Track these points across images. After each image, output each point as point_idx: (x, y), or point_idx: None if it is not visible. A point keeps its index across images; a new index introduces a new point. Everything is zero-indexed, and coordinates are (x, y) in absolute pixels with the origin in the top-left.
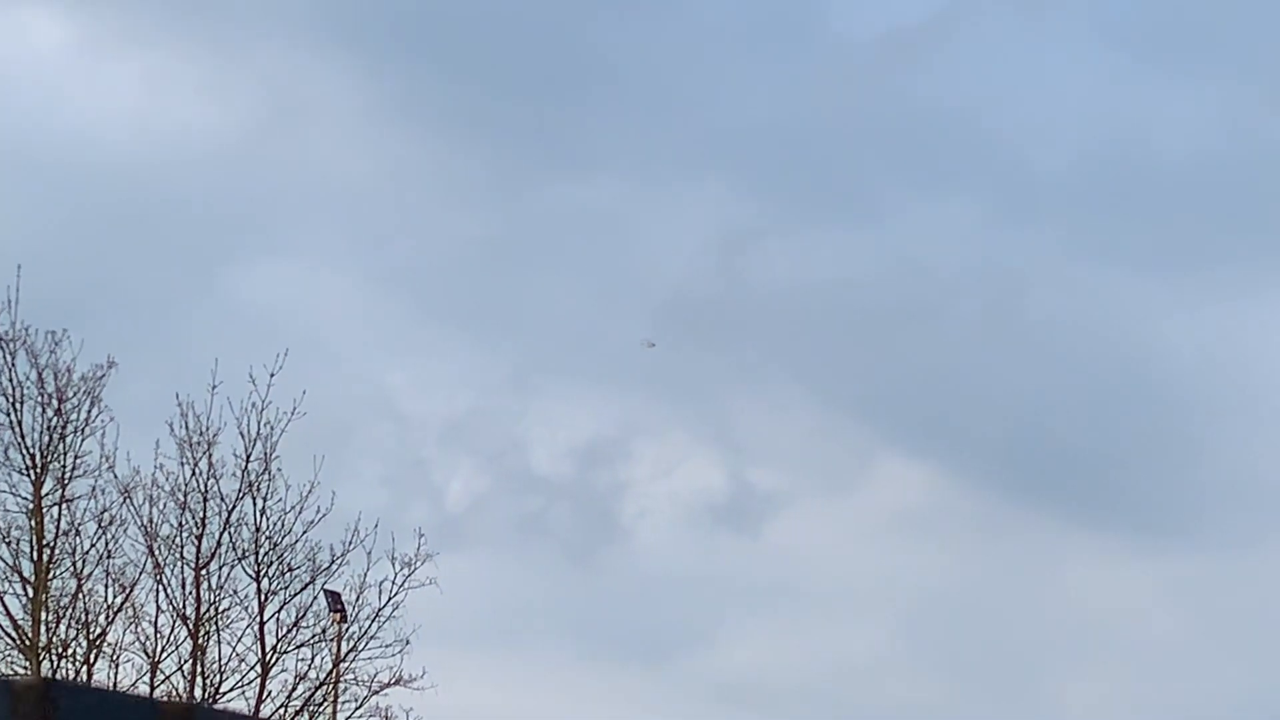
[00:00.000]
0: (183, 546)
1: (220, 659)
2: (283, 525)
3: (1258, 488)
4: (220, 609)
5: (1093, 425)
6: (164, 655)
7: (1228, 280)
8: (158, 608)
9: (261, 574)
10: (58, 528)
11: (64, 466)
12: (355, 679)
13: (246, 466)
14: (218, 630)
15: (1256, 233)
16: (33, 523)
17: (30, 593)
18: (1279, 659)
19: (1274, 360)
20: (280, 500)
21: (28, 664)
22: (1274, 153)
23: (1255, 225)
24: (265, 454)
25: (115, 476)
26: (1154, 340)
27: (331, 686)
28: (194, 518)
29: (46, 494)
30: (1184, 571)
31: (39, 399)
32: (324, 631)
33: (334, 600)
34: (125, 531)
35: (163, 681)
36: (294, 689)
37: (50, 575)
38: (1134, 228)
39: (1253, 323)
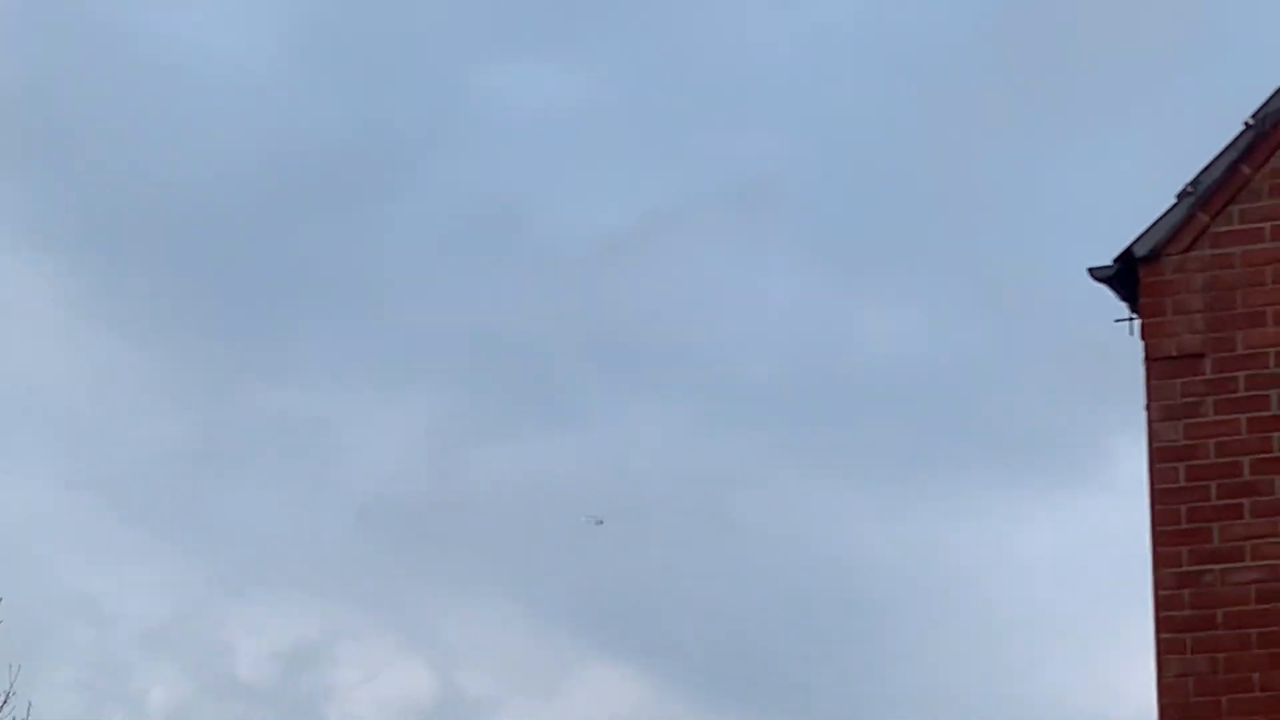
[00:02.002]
0: None
1: None
2: None
3: (945, 694)
4: None
5: (794, 630)
6: None
7: (928, 488)
8: None
9: None
10: None
11: None
12: None
13: None
14: None
15: (957, 440)
16: None
17: None
18: None
19: (963, 568)
20: None
21: None
22: (973, 360)
23: (956, 432)
24: None
25: None
26: (856, 547)
27: None
28: None
29: None
30: None
31: None
32: None
33: None
34: None
35: None
36: None
37: None
38: (838, 435)
39: (952, 530)
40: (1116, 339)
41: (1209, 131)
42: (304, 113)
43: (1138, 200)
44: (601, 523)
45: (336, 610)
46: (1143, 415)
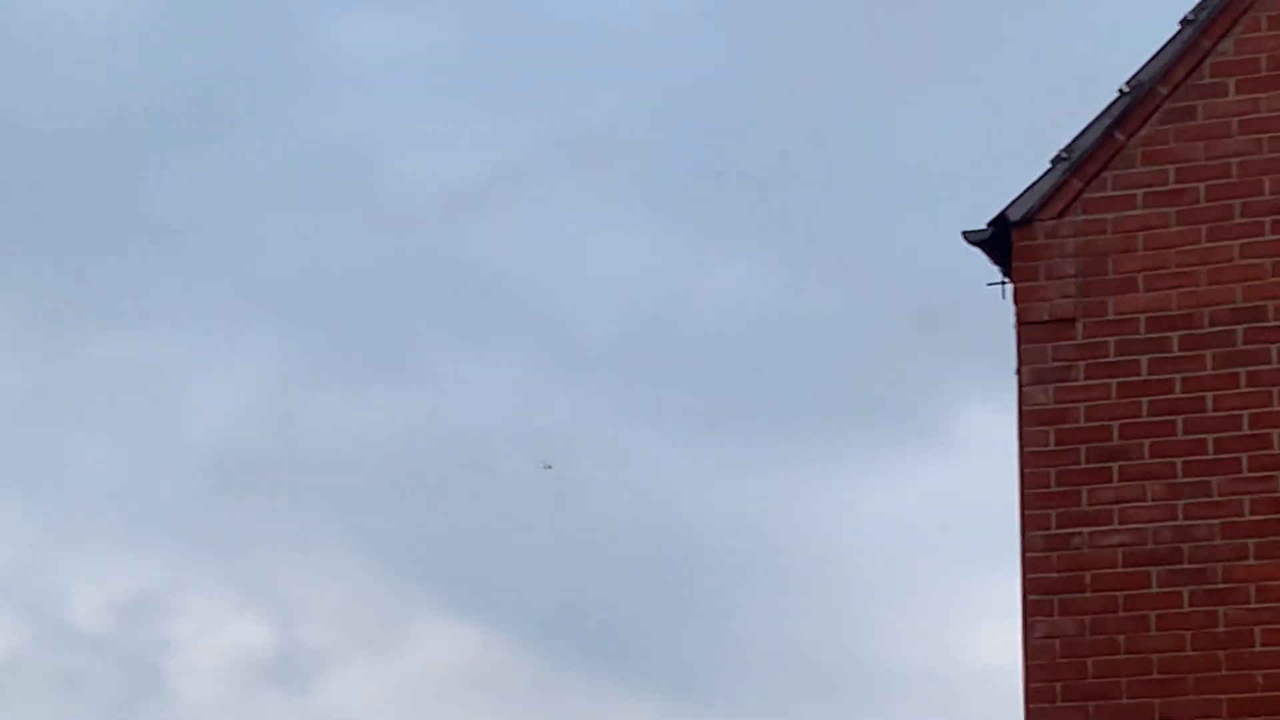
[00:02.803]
0: None
1: None
2: None
3: (784, 655)
4: None
5: (634, 589)
6: None
7: (766, 447)
8: None
9: None
10: None
11: None
12: None
13: None
14: None
15: (803, 399)
16: None
17: None
18: None
19: (806, 528)
20: None
21: None
22: (823, 319)
23: (802, 391)
24: None
25: None
26: (699, 505)
27: None
28: None
29: None
30: None
31: None
32: None
33: None
34: None
35: None
36: None
37: None
38: (682, 392)
39: (788, 491)
40: (982, 301)
41: (1083, 94)
42: (145, 56)
43: (1006, 162)
44: (550, 467)
45: (175, 561)
46: (1009, 379)
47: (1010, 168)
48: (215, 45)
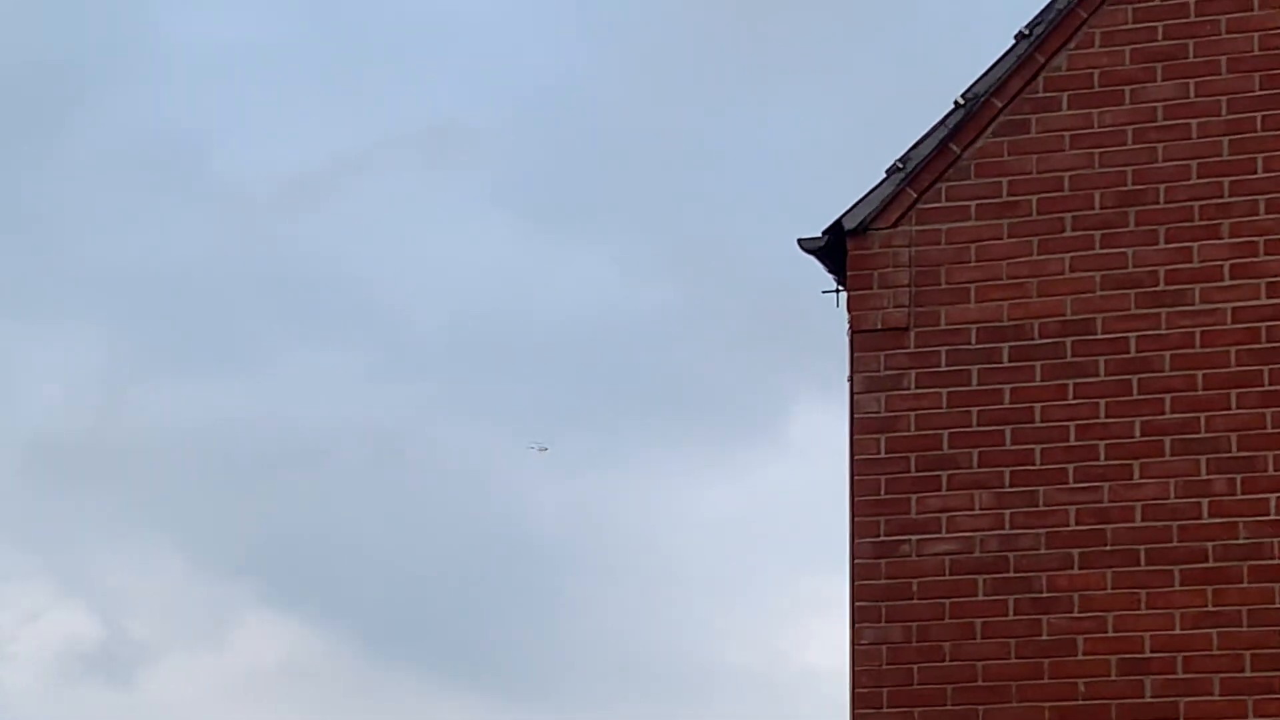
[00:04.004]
0: None
1: None
2: None
3: (614, 653)
4: None
5: (466, 585)
6: None
7: (601, 444)
8: None
9: None
10: None
11: None
12: None
13: None
14: None
15: (632, 399)
16: None
17: None
18: None
19: (639, 526)
20: None
21: None
22: (661, 319)
23: (638, 390)
24: None
25: None
26: (529, 501)
27: None
28: None
29: None
30: None
31: None
32: None
33: None
34: None
35: None
36: None
37: None
38: (518, 388)
39: (622, 488)
40: (822, 308)
41: (924, 104)
42: None
43: (849, 168)
44: (547, 449)
45: None
46: (841, 385)
47: (853, 174)
48: (49, 32)
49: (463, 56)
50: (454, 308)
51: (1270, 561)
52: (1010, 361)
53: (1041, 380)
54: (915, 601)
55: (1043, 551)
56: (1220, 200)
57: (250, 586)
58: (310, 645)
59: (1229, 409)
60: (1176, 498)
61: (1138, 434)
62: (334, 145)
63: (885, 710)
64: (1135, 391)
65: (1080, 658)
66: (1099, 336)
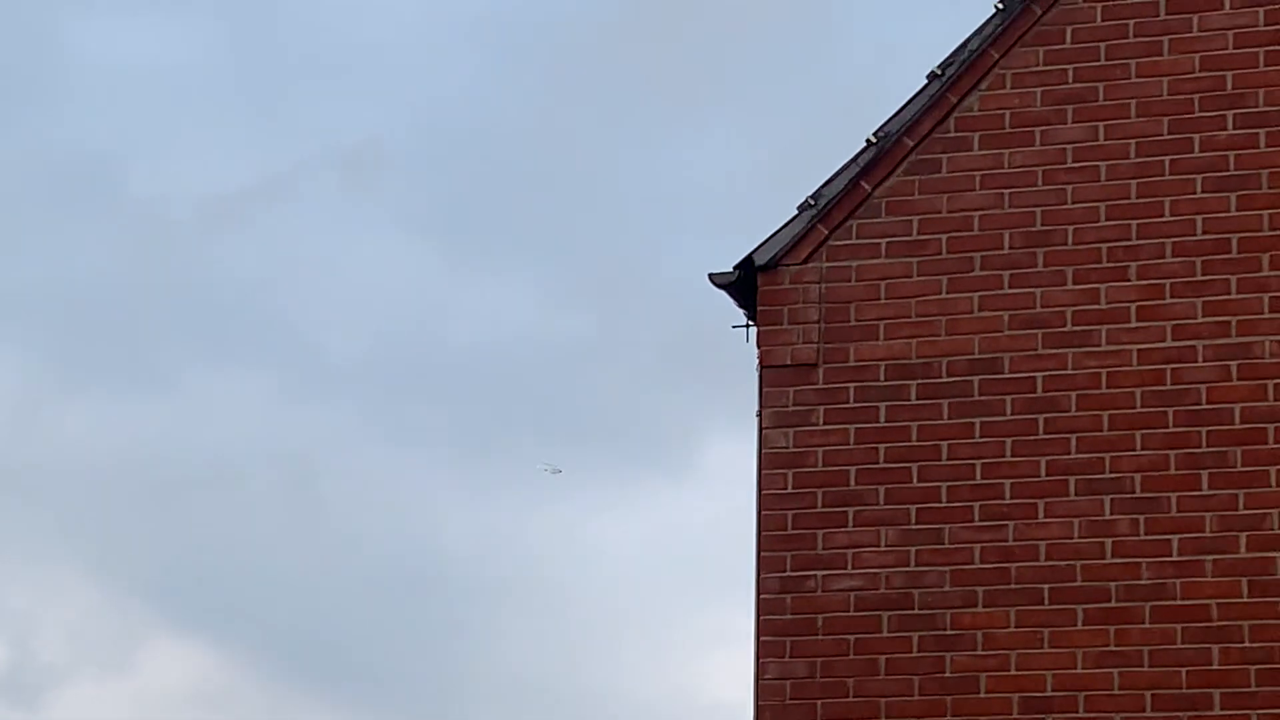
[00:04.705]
0: None
1: None
2: None
3: (520, 683)
4: None
5: (376, 611)
6: None
7: (512, 472)
8: None
9: None
10: None
11: None
12: None
13: None
14: None
15: (543, 427)
16: None
17: None
18: None
19: (548, 555)
20: None
21: None
22: (574, 348)
23: (543, 419)
24: None
25: None
26: (440, 528)
27: None
28: None
29: None
30: None
31: None
32: None
33: None
34: None
35: None
36: None
37: None
38: (428, 413)
39: (532, 516)
40: (732, 342)
41: (833, 141)
42: None
43: (764, 202)
44: (560, 471)
45: None
46: (751, 420)
47: (767, 209)
48: None
49: (384, 80)
50: (369, 331)
51: (1172, 602)
52: (918, 399)
53: (948, 418)
54: (820, 637)
55: (947, 589)
56: (1128, 242)
57: (159, 610)
58: (219, 670)
59: (1134, 450)
60: (1080, 537)
61: (1043, 473)
62: (253, 166)
63: None
64: (1041, 431)
65: (983, 695)
66: (1006, 375)
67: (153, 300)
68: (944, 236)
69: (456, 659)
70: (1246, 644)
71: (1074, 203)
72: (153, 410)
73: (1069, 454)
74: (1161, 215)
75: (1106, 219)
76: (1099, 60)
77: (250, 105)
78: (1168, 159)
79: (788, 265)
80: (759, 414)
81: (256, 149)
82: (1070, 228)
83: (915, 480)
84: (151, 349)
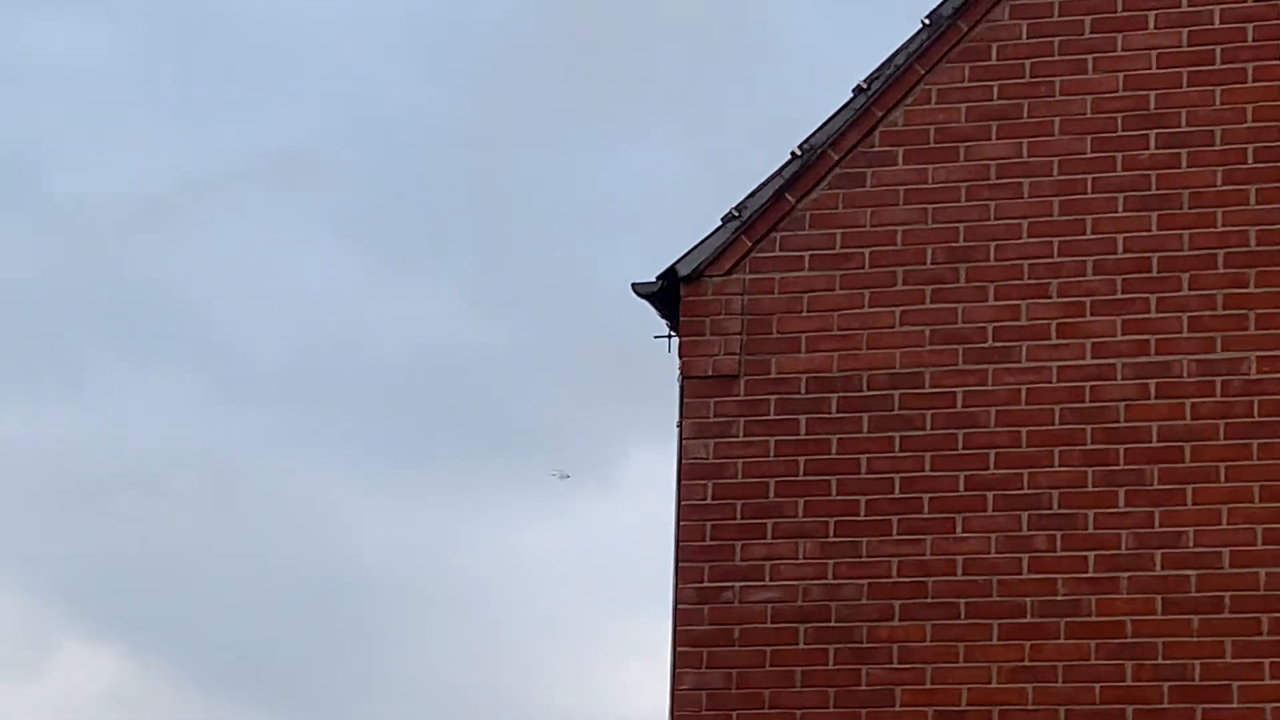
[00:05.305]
0: None
1: None
2: None
3: (438, 693)
4: None
5: (295, 619)
6: None
7: (434, 481)
8: None
9: None
10: None
11: None
12: None
13: None
14: None
15: (466, 436)
16: None
17: None
18: None
19: (469, 565)
20: None
21: None
22: (494, 357)
23: (466, 429)
24: None
25: None
26: (361, 537)
27: None
28: None
29: None
30: None
31: None
32: None
33: None
34: None
35: None
36: None
37: None
38: (350, 421)
39: (453, 526)
40: (655, 353)
41: (759, 152)
42: None
43: (690, 213)
44: (569, 476)
45: None
46: (672, 431)
47: (692, 219)
48: None
49: (315, 84)
50: (294, 337)
51: (1087, 619)
52: (838, 412)
53: (869, 432)
54: (737, 648)
55: (864, 602)
56: (1050, 260)
57: (73, 615)
58: (133, 676)
59: (1051, 466)
60: (997, 552)
61: (961, 488)
62: (179, 169)
63: None
64: (960, 446)
65: (898, 709)
66: (926, 390)
67: (72, 302)
68: (867, 250)
69: (375, 666)
70: (1160, 661)
71: (997, 219)
72: (71, 413)
73: (987, 469)
74: (1083, 233)
75: (1029, 236)
76: (1024, 77)
77: (179, 107)
78: (1090, 177)
79: (711, 276)
80: (679, 425)
81: (183, 151)
82: (992, 244)
83: (834, 493)
84: (70, 351)
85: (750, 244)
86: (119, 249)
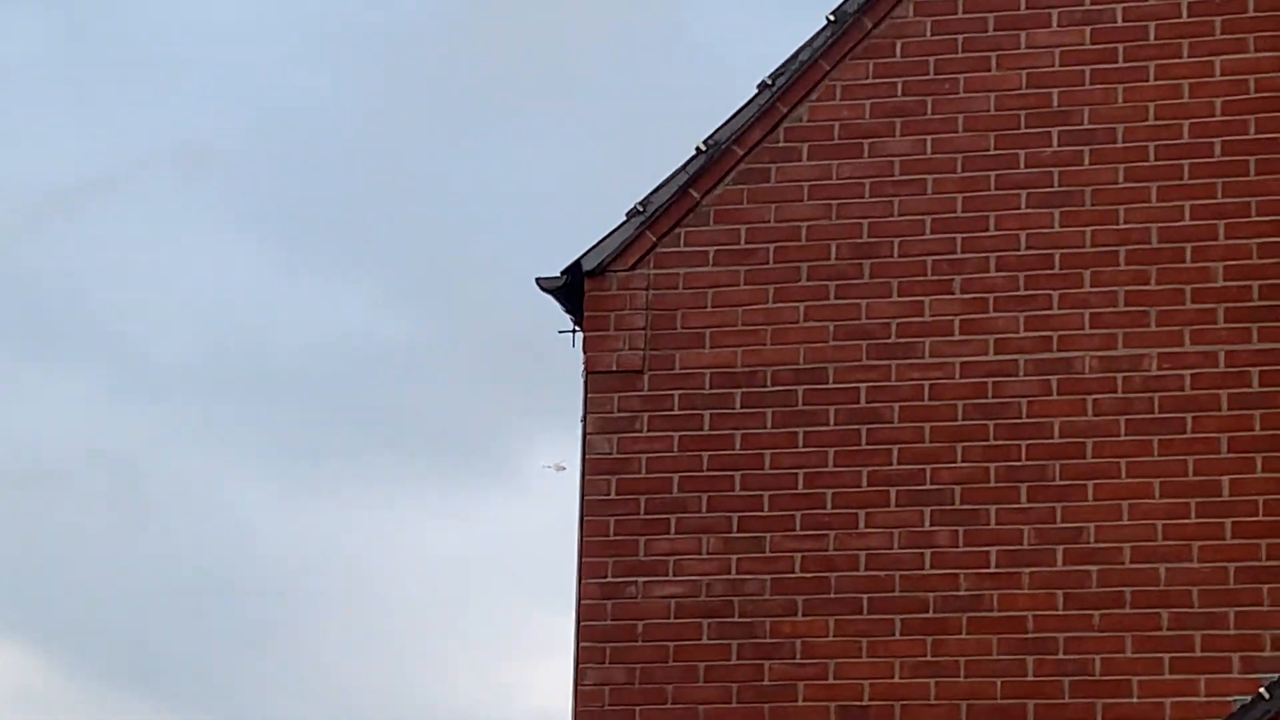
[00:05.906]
0: None
1: None
2: None
3: (339, 691)
4: None
5: (195, 616)
6: None
7: (335, 477)
8: None
9: None
10: None
11: None
12: None
13: None
14: None
15: (368, 431)
16: None
17: None
18: None
19: (370, 561)
20: None
21: None
22: (397, 352)
23: (368, 423)
24: None
25: None
26: (261, 533)
27: None
28: None
29: None
30: None
31: None
32: None
33: None
34: None
35: None
36: None
37: None
38: (253, 417)
39: (354, 521)
40: (559, 347)
41: (664, 147)
42: None
43: (596, 207)
44: (564, 469)
45: None
46: (576, 426)
47: (596, 214)
48: None
49: (219, 78)
50: (197, 332)
51: (989, 614)
52: (742, 407)
53: (772, 427)
54: (640, 643)
55: (767, 597)
56: (953, 256)
57: None
58: (36, 672)
59: (954, 462)
60: (900, 548)
61: (864, 484)
62: (81, 162)
63: None
64: (863, 441)
65: (800, 704)
66: (830, 386)
67: None
68: (771, 246)
69: (276, 663)
70: (1061, 656)
71: (900, 215)
72: None
73: (890, 465)
74: (986, 230)
75: (932, 232)
76: (928, 74)
77: (81, 100)
78: (993, 174)
79: (615, 271)
80: (583, 420)
81: (86, 144)
82: (896, 240)
83: (738, 489)
84: None
85: (655, 239)
86: (20, 244)
